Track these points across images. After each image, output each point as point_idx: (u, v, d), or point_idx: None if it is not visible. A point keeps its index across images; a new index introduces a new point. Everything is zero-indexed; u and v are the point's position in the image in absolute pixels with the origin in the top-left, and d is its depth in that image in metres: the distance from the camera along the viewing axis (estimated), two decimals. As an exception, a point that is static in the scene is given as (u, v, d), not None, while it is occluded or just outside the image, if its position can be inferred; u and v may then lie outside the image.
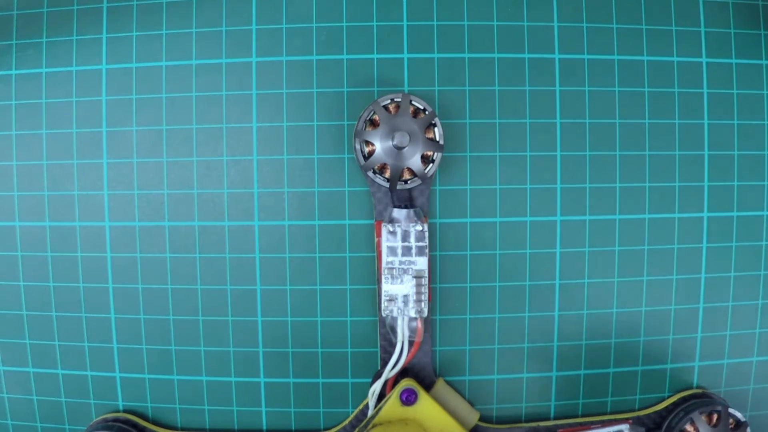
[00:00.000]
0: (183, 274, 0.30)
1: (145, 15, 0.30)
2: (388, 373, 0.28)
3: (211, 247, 0.30)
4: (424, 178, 0.28)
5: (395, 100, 0.28)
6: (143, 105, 0.30)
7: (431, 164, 0.28)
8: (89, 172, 0.30)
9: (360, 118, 0.28)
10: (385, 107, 0.28)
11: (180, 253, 0.30)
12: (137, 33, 0.30)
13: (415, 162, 0.27)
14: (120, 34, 0.30)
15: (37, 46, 0.30)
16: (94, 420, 0.30)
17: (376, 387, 0.28)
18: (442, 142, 0.28)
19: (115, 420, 0.30)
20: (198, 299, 0.30)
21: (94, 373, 0.31)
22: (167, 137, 0.30)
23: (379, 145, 0.27)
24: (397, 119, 0.27)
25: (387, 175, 0.28)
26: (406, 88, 0.29)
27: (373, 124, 0.28)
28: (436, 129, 0.28)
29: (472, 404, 0.30)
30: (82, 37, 0.30)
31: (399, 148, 0.27)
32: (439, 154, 0.28)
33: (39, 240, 0.30)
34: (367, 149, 0.28)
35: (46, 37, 0.30)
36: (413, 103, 0.28)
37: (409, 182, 0.28)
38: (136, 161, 0.30)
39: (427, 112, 0.28)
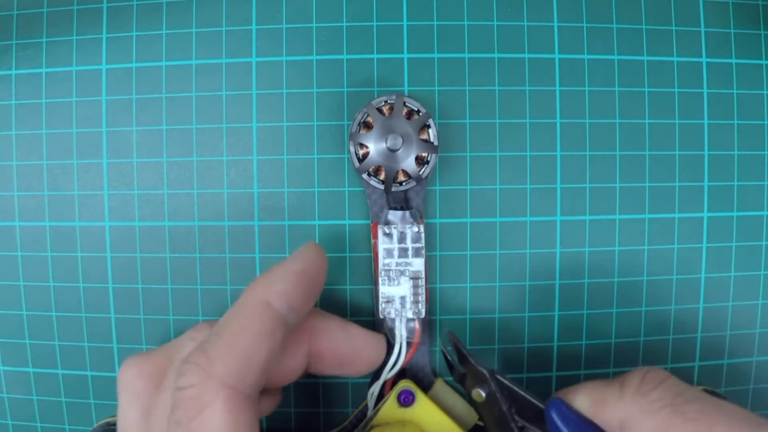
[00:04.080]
0: (183, 274, 0.30)
1: (145, 15, 0.30)
2: (387, 374, 0.28)
3: (211, 247, 0.30)
4: (418, 179, 0.28)
5: (389, 101, 0.27)
6: (143, 105, 0.30)
7: (426, 165, 0.28)
8: (89, 172, 0.30)
9: (354, 120, 0.27)
10: (379, 109, 0.28)
11: (180, 253, 0.30)
12: (137, 33, 0.30)
13: (409, 164, 0.27)
14: (120, 34, 0.30)
15: (37, 46, 0.30)
16: (97, 424, 0.30)
17: (375, 388, 0.28)
18: (436, 143, 0.28)
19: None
20: (198, 299, 0.30)
21: (94, 373, 0.31)
22: (167, 137, 0.30)
23: (373, 148, 0.27)
24: (390, 121, 0.27)
25: (382, 177, 0.28)
26: (406, 88, 0.29)
27: (368, 126, 0.28)
28: (430, 130, 0.28)
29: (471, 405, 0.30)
30: (82, 37, 0.30)
31: (392, 151, 0.27)
32: (434, 156, 0.28)
33: (39, 240, 0.30)
34: (361, 152, 0.28)
35: (46, 37, 0.30)
36: (407, 104, 0.27)
37: (404, 184, 0.28)
38: (136, 161, 0.30)
39: (421, 114, 0.27)
